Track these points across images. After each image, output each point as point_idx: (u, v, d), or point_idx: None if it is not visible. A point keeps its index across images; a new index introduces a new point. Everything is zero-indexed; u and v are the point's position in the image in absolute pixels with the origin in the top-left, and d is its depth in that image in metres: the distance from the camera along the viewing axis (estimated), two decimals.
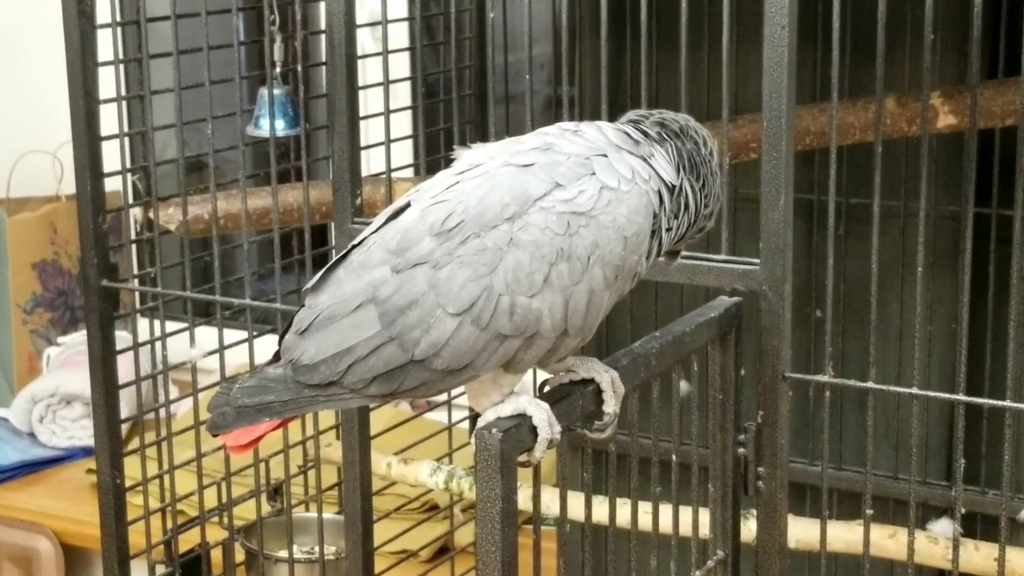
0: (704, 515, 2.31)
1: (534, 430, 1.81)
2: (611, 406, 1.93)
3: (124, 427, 3.17)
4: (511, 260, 1.75)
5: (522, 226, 1.76)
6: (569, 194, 1.78)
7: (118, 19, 2.92)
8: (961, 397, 2.34)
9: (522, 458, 1.82)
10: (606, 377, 1.93)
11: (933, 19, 2.30)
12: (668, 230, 1.87)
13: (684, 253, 2.38)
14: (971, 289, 2.35)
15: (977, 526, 2.98)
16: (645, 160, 1.85)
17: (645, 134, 1.88)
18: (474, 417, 3.60)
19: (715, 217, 1.97)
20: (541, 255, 1.75)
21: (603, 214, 1.78)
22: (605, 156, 1.82)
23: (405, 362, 1.78)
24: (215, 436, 1.89)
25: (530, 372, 2.06)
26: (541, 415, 1.81)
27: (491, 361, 1.78)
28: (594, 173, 1.80)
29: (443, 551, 3.57)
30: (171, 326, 3.07)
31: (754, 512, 2.41)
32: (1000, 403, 2.31)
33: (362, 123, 2.77)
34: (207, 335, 3.07)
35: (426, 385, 1.81)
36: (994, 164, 2.95)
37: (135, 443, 3.16)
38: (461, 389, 3.55)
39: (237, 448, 1.89)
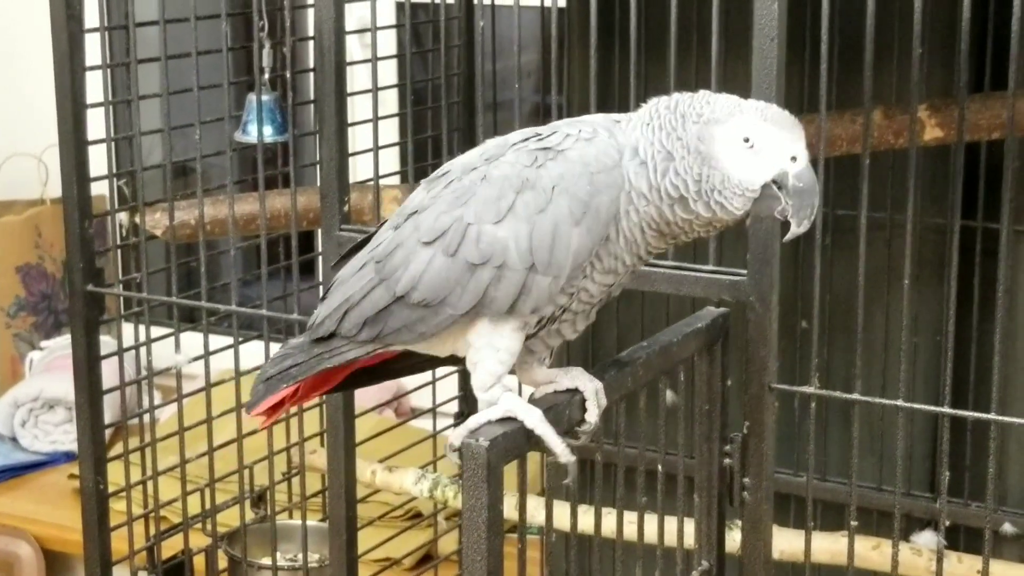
0: (689, 525, 2.31)
1: (528, 435, 1.81)
2: (593, 415, 1.94)
3: (107, 432, 3.15)
4: (482, 192, 1.82)
5: (496, 164, 1.83)
6: (542, 138, 1.85)
7: (106, 23, 2.92)
8: (946, 409, 2.35)
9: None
10: (590, 387, 1.94)
11: (921, 32, 2.31)
12: (643, 197, 1.82)
13: (671, 263, 2.39)
14: (956, 302, 2.35)
15: (961, 538, 2.99)
16: (619, 130, 1.86)
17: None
18: (460, 424, 3.61)
19: (703, 185, 1.81)
20: (508, 185, 1.81)
21: (571, 150, 1.82)
22: (581, 121, 1.87)
23: (390, 301, 1.86)
24: (250, 414, 2.01)
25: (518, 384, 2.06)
26: (533, 418, 1.82)
27: (465, 296, 1.82)
28: (568, 131, 1.85)
29: (426, 559, 3.57)
30: (156, 331, 3.06)
31: (739, 522, 2.41)
32: (985, 416, 2.32)
33: (350, 130, 2.77)
34: (192, 341, 3.07)
35: (408, 327, 1.86)
36: (980, 177, 2.95)
37: (118, 448, 3.15)
38: (447, 395, 3.57)
39: (261, 416, 2.00)
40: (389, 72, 3.63)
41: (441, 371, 3.38)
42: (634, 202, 1.82)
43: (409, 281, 1.84)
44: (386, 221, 1.95)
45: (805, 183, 1.81)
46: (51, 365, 4.38)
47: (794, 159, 1.81)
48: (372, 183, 2.81)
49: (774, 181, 1.82)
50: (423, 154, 3.42)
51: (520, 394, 1.90)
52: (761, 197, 1.82)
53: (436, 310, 1.84)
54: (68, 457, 4.18)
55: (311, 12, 2.68)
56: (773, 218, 1.84)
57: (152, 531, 3.11)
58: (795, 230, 1.84)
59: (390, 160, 3.49)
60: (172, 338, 3.03)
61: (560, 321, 1.90)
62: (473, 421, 1.83)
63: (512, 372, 1.93)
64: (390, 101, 3.61)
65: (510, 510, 2.46)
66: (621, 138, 1.84)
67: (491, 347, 1.85)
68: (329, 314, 1.92)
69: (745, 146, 1.81)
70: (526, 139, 1.86)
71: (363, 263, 1.91)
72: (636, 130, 1.85)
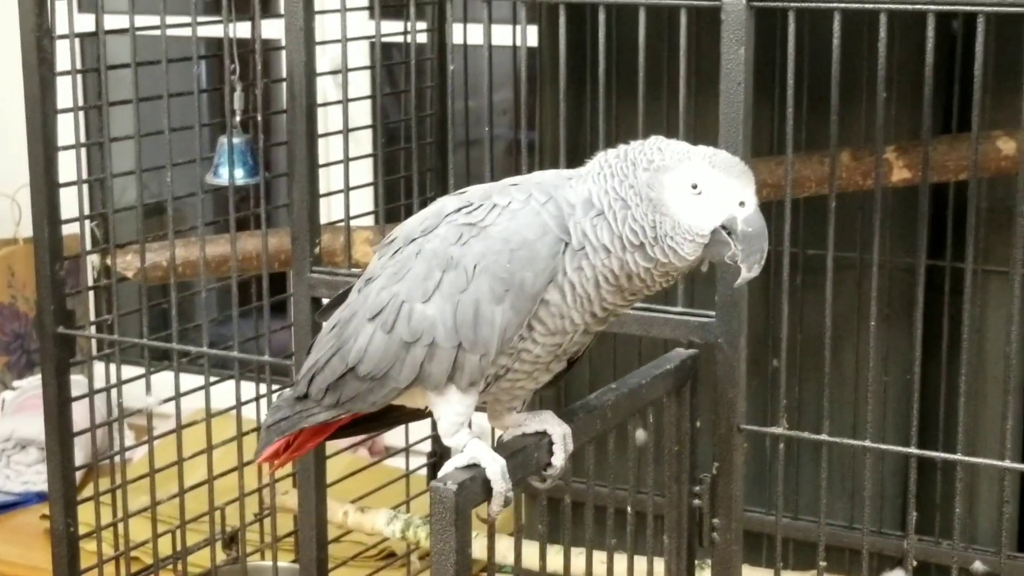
0: (659, 565, 2.32)
1: (488, 483, 1.81)
2: (559, 459, 1.95)
3: (79, 474, 3.14)
4: (414, 268, 1.84)
5: (428, 238, 1.85)
6: (472, 210, 1.85)
7: (78, 66, 2.92)
8: (912, 450, 2.36)
9: (483, 515, 1.84)
10: (558, 431, 1.95)
11: (887, 76, 2.33)
12: (604, 249, 1.81)
13: (640, 305, 2.40)
14: (925, 341, 2.37)
15: None
16: (569, 187, 1.85)
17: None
18: (432, 464, 3.62)
19: (658, 231, 1.80)
20: (436, 263, 1.83)
21: (493, 226, 1.82)
22: (517, 185, 1.86)
23: (344, 371, 1.90)
24: (256, 462, 2.13)
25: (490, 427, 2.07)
26: (495, 469, 1.82)
27: (404, 371, 1.85)
28: (498, 201, 1.84)
29: None
30: (128, 372, 3.06)
31: (709, 562, 2.41)
32: (951, 456, 2.33)
33: (323, 170, 2.77)
34: (164, 381, 3.06)
35: (360, 396, 1.91)
36: (948, 218, 2.98)
37: (90, 490, 3.13)
38: (420, 434, 3.57)
39: (267, 461, 2.06)
40: (364, 112, 3.64)
41: None
42: (588, 257, 1.81)
43: (356, 354, 1.88)
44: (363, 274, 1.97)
45: (754, 228, 1.81)
46: (23, 405, 4.36)
47: (742, 204, 1.81)
48: (344, 224, 2.81)
49: (723, 226, 1.81)
50: (396, 195, 3.43)
51: (492, 436, 1.91)
52: (711, 243, 1.82)
53: (382, 383, 1.88)
54: (40, 498, 4.15)
55: (283, 54, 2.69)
56: (724, 263, 1.84)
57: (123, 573, 3.10)
58: (745, 275, 1.83)
59: (365, 200, 3.50)
60: (143, 379, 3.02)
61: (509, 380, 1.90)
62: (444, 469, 1.84)
63: (482, 409, 1.95)
64: (365, 141, 3.62)
65: (481, 551, 2.47)
66: (572, 196, 1.83)
67: (446, 402, 1.87)
68: (303, 375, 1.96)
69: (693, 192, 1.80)
70: (458, 209, 1.85)
71: (334, 323, 1.94)
72: (588, 182, 1.84)
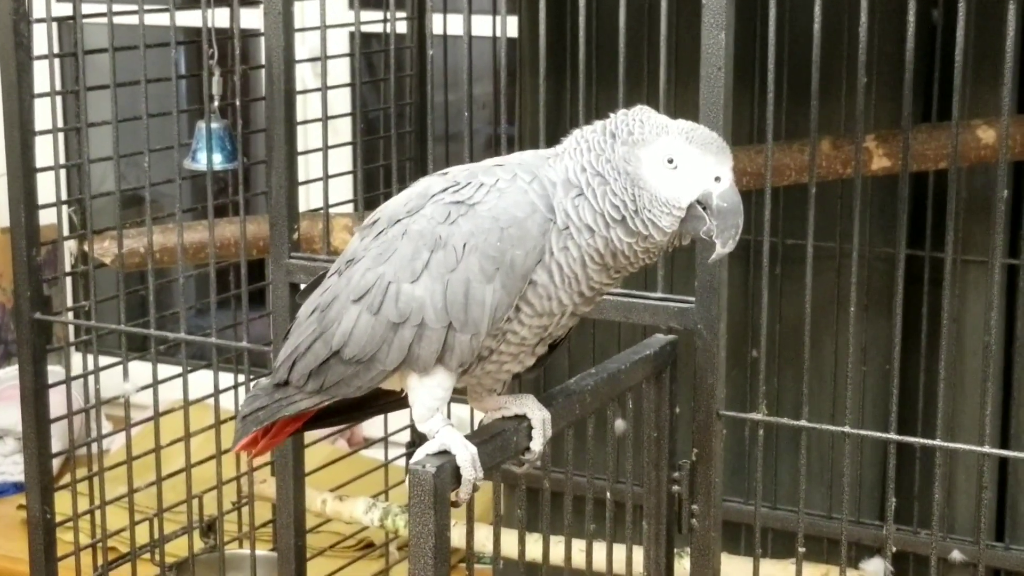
0: (638, 553, 2.31)
1: (458, 470, 1.81)
2: (538, 444, 1.94)
3: (56, 462, 3.12)
4: (401, 249, 1.83)
5: (415, 219, 1.84)
6: (458, 189, 1.83)
7: (55, 51, 2.90)
8: (892, 436, 2.36)
9: (452, 498, 1.83)
10: (538, 416, 1.94)
11: (867, 63, 2.33)
12: (587, 229, 1.81)
13: (620, 291, 2.40)
14: (904, 330, 2.37)
15: (910, 566, 3.00)
16: (548, 166, 1.84)
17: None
18: (410, 454, 3.61)
19: (638, 204, 1.80)
20: (423, 243, 1.82)
21: (481, 204, 1.81)
22: (501, 166, 1.85)
23: (328, 355, 1.88)
24: (233, 451, 2.04)
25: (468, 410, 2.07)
26: (465, 456, 1.81)
27: (392, 354, 1.83)
28: (484, 179, 1.83)
29: None
30: (105, 360, 3.04)
31: (688, 550, 2.41)
32: (931, 442, 2.33)
33: (302, 158, 2.76)
34: (141, 369, 3.05)
35: (345, 381, 1.88)
36: (927, 207, 2.98)
37: (67, 478, 3.12)
38: (399, 424, 3.56)
39: (245, 449, 2.02)
40: (343, 101, 3.63)
41: None
42: (573, 236, 1.81)
43: (341, 338, 1.86)
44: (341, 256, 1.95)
45: (729, 203, 1.82)
46: (1, 395, 4.34)
47: (718, 180, 1.82)
48: (322, 211, 2.81)
49: (699, 202, 1.82)
50: (375, 183, 3.42)
51: (472, 419, 1.90)
52: (687, 217, 1.82)
53: (368, 366, 1.86)
54: (17, 488, 4.14)
55: (262, 40, 2.67)
56: (701, 239, 1.84)
57: (100, 561, 3.08)
58: (720, 251, 1.84)
59: (344, 189, 3.49)
60: (121, 367, 3.01)
61: (495, 362, 1.88)
62: (415, 456, 1.83)
63: (462, 393, 1.94)
64: (344, 130, 3.61)
65: (459, 539, 2.47)
66: (553, 175, 1.83)
67: (424, 386, 1.86)
68: (283, 361, 1.94)
69: (669, 167, 1.81)
70: (445, 188, 1.84)
71: (313, 307, 1.92)
72: (565, 159, 1.84)
